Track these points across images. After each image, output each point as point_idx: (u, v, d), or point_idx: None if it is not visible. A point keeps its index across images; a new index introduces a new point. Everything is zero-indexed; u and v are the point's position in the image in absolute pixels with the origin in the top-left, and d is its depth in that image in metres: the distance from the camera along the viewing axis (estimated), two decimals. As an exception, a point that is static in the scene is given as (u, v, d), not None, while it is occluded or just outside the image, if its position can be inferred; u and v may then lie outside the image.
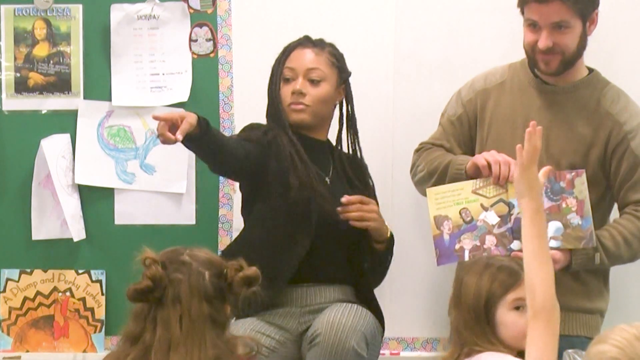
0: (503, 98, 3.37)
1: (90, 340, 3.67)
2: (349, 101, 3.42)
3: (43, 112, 3.69)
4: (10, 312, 3.68)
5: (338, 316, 3.11)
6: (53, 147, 3.64)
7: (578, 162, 3.25)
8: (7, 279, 3.68)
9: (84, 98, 3.68)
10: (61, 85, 3.68)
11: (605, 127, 3.27)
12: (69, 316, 3.68)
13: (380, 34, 3.68)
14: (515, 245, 3.09)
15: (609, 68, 3.43)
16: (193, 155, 3.52)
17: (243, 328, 3.13)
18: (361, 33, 3.68)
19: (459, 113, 3.41)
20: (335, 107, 3.43)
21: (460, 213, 3.17)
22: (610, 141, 3.27)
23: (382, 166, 3.67)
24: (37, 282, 3.68)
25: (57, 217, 3.64)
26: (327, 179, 3.37)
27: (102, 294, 3.67)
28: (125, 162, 3.68)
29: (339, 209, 3.26)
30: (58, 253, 3.67)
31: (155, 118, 3.00)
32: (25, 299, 3.68)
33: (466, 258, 3.14)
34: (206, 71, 3.68)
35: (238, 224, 3.51)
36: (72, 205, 3.64)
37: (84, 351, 3.68)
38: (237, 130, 3.50)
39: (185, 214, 3.68)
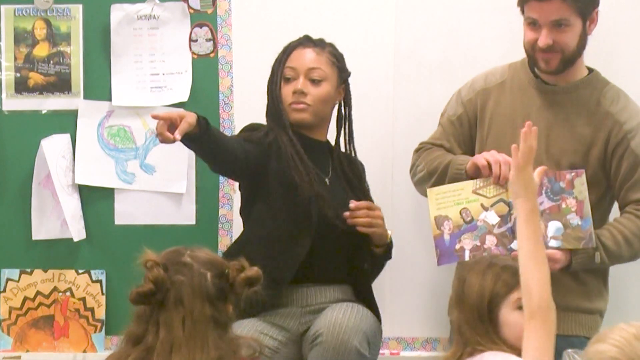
0: (503, 98, 3.37)
1: (91, 340, 3.67)
2: (347, 101, 3.42)
3: (43, 112, 3.69)
4: (10, 312, 3.68)
5: (340, 316, 3.11)
6: (53, 147, 3.64)
7: (578, 161, 3.25)
8: (7, 279, 3.68)
9: (84, 98, 3.68)
10: (61, 85, 3.68)
11: (605, 127, 3.27)
12: (69, 316, 3.68)
13: (380, 34, 3.69)
14: (515, 245, 3.09)
15: (609, 68, 3.43)
16: (193, 155, 3.53)
17: (246, 329, 3.13)
18: (361, 33, 3.68)
19: (459, 113, 3.41)
20: (334, 107, 3.43)
21: (460, 213, 3.17)
22: (610, 141, 3.27)
23: (382, 166, 3.67)
24: (37, 282, 3.68)
25: (57, 217, 3.64)
26: (327, 180, 3.37)
27: (102, 294, 3.67)
28: (125, 162, 3.68)
29: (346, 213, 3.27)
30: (58, 253, 3.68)
31: (154, 117, 3.00)
32: (25, 299, 3.68)
33: (466, 258, 3.14)
34: (206, 71, 3.68)
35: (238, 224, 3.51)
36: (72, 205, 3.64)
37: (84, 351, 3.68)
38: (237, 130, 3.50)
39: (185, 214, 3.68)
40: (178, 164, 3.66)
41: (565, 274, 3.20)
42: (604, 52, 3.54)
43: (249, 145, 3.24)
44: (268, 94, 3.37)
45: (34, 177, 3.66)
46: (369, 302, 3.32)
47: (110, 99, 3.68)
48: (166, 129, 2.96)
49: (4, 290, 3.68)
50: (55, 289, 3.68)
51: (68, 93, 3.68)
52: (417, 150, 3.46)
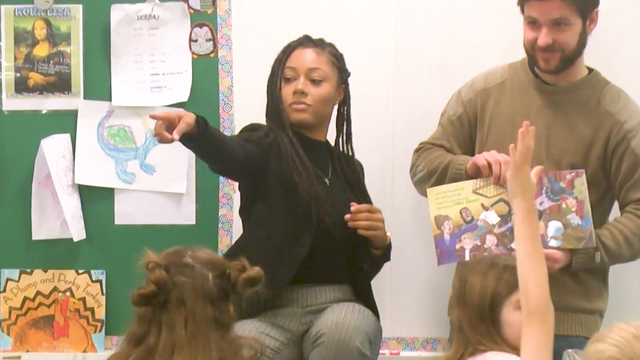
0: (503, 98, 3.37)
1: (90, 340, 3.67)
2: (346, 102, 3.42)
3: (43, 112, 3.69)
4: (10, 312, 3.68)
5: (342, 316, 3.12)
6: (53, 147, 3.64)
7: (578, 161, 3.25)
8: (7, 279, 3.68)
9: (84, 98, 3.68)
10: (61, 85, 3.68)
11: (605, 127, 3.27)
12: (69, 316, 3.67)
13: (380, 34, 3.68)
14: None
15: (609, 68, 3.43)
16: (193, 155, 3.53)
17: (247, 329, 3.12)
18: (361, 33, 3.68)
19: (459, 113, 3.41)
20: (334, 107, 3.43)
21: (460, 213, 3.17)
22: (610, 140, 3.27)
23: (382, 166, 3.67)
24: (37, 282, 3.68)
25: (57, 217, 3.64)
26: (327, 180, 3.37)
27: (102, 294, 3.67)
28: (125, 162, 3.68)
29: (347, 216, 3.27)
30: (58, 253, 3.67)
31: (153, 117, 3.00)
32: (25, 299, 3.67)
33: (467, 258, 3.14)
34: (206, 71, 3.68)
35: (238, 224, 3.51)
36: (72, 205, 3.64)
37: (84, 351, 3.68)
38: (237, 130, 3.50)
39: (185, 214, 3.68)
40: (178, 164, 3.66)
41: (565, 274, 3.20)
42: (604, 52, 3.54)
43: (249, 146, 3.24)
44: (268, 94, 3.37)
45: (34, 177, 3.65)
46: (368, 302, 3.33)
47: (110, 99, 3.67)
48: (164, 129, 2.96)
49: (4, 290, 3.68)
50: (55, 289, 3.68)
51: (68, 93, 3.68)
52: (417, 150, 3.46)
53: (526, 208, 2.51)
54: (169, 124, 2.96)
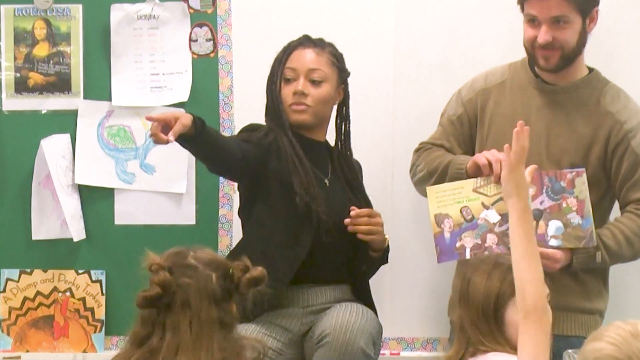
0: (503, 98, 3.37)
1: (90, 340, 3.67)
2: (346, 102, 3.42)
3: (43, 112, 3.69)
4: (10, 312, 3.67)
5: (346, 316, 3.12)
6: (53, 147, 3.64)
7: (578, 161, 3.25)
8: (7, 279, 3.68)
9: (84, 98, 3.68)
10: (61, 85, 3.68)
11: (606, 126, 3.27)
12: (69, 316, 3.67)
13: (380, 34, 3.69)
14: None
15: (609, 68, 3.44)
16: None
17: (249, 330, 3.12)
18: (361, 33, 3.68)
19: (459, 113, 3.41)
20: (333, 107, 3.42)
21: (461, 211, 3.17)
22: (610, 140, 3.27)
23: (382, 166, 3.67)
24: (37, 282, 3.68)
25: (57, 217, 3.64)
26: (326, 181, 3.37)
27: (102, 294, 3.67)
28: (125, 162, 3.68)
29: (347, 220, 3.27)
30: (58, 253, 3.67)
31: (149, 119, 3.00)
32: (25, 299, 3.67)
33: (467, 256, 3.14)
34: (206, 71, 3.68)
35: (238, 224, 3.50)
36: (72, 205, 3.64)
37: (84, 351, 3.67)
38: (237, 130, 3.50)
39: (185, 214, 3.68)
40: (178, 164, 3.66)
41: (565, 274, 3.20)
42: (604, 52, 3.55)
43: (248, 146, 3.24)
44: (268, 95, 3.37)
45: (34, 177, 3.65)
46: (367, 302, 3.33)
47: (110, 99, 3.67)
48: (160, 130, 2.95)
49: (4, 291, 3.67)
50: (55, 289, 3.68)
51: (68, 93, 3.68)
52: (417, 150, 3.46)
53: (521, 208, 2.51)
54: (165, 125, 2.96)
